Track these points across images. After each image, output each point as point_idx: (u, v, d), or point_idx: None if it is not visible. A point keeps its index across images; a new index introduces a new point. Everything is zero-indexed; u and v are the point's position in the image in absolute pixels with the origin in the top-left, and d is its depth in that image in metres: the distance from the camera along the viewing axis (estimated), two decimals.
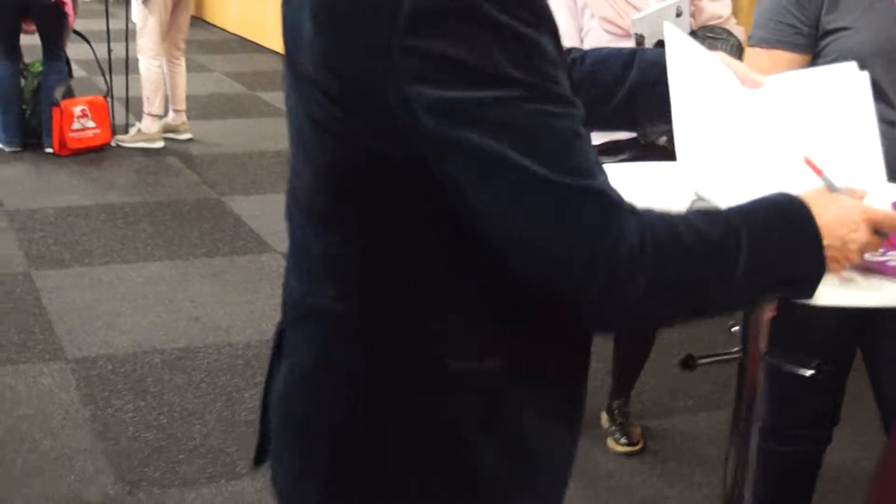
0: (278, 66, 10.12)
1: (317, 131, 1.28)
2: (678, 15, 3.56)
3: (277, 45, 10.35)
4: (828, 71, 1.82)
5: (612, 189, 1.19)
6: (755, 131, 1.73)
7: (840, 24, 2.45)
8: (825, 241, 1.31)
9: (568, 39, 3.61)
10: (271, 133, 8.09)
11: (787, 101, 1.77)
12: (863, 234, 1.38)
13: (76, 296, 4.96)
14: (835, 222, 1.33)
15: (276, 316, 1.51)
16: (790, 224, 1.30)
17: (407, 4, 1.14)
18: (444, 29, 1.14)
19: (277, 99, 9.06)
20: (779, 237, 1.28)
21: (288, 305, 1.45)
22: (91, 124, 7.27)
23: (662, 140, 3.56)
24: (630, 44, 3.59)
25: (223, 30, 12.88)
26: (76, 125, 7.19)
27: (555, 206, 1.15)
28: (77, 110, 7.19)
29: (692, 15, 3.63)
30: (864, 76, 1.76)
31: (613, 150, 3.59)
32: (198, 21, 13.41)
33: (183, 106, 7.78)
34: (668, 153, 3.48)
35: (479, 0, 1.14)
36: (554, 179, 1.15)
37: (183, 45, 7.74)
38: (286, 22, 1.33)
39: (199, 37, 12.14)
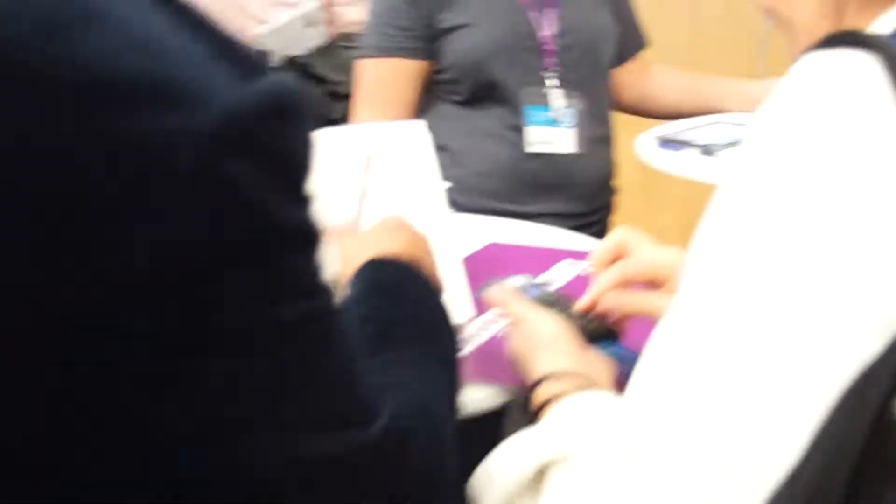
0: None
1: None
2: (309, 25, 3.10)
3: None
4: (389, 127, 1.53)
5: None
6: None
7: (457, 21, 2.17)
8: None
9: None
10: None
11: (338, 154, 1.37)
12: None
13: None
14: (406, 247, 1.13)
15: None
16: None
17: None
18: None
19: None
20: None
21: None
22: None
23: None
24: None
25: None
26: None
27: None
28: None
29: (327, 23, 3.17)
30: (427, 134, 1.49)
31: None
32: None
33: None
34: None
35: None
36: None
37: None
38: None
39: None
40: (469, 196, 2.17)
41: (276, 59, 3.07)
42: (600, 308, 1.15)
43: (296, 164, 0.70)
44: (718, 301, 0.74)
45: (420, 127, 1.44)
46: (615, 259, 1.17)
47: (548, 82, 2.18)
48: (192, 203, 0.65)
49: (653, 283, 1.15)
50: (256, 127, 0.67)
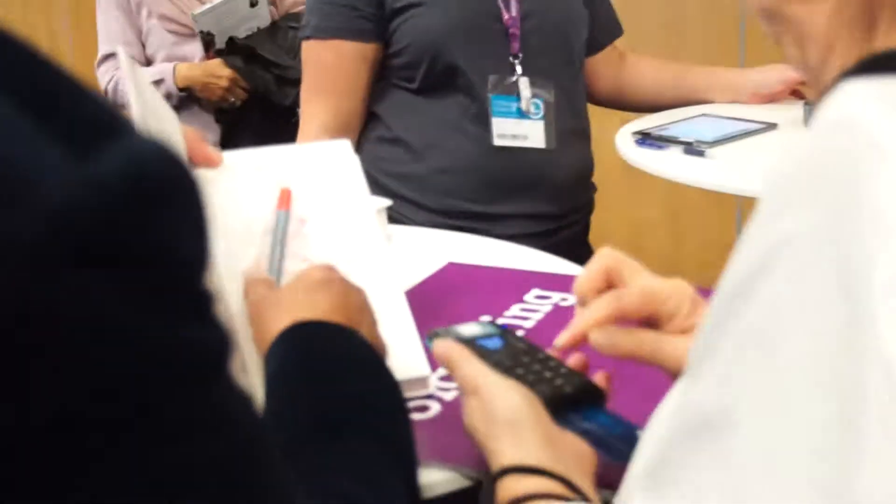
0: None
1: None
2: (253, 5, 2.86)
3: None
4: (308, 150, 1.22)
5: None
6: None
7: (409, 0, 1.92)
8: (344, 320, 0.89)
9: (125, 45, 2.88)
10: None
11: (247, 187, 1.12)
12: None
13: None
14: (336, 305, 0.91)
15: None
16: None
17: None
18: None
19: None
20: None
21: None
22: None
23: None
24: (197, 45, 2.87)
25: None
26: None
27: None
28: None
29: (273, 3, 2.93)
30: (353, 154, 1.20)
31: None
32: None
33: None
34: None
35: None
36: None
37: None
38: None
39: None
40: (431, 195, 1.95)
41: (219, 41, 2.84)
42: (592, 343, 0.90)
43: (175, 263, 0.47)
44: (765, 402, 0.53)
45: (344, 147, 1.18)
46: (601, 290, 0.92)
47: (517, 69, 1.95)
48: (13, 347, 0.43)
49: (649, 321, 0.91)
50: (103, 224, 0.44)
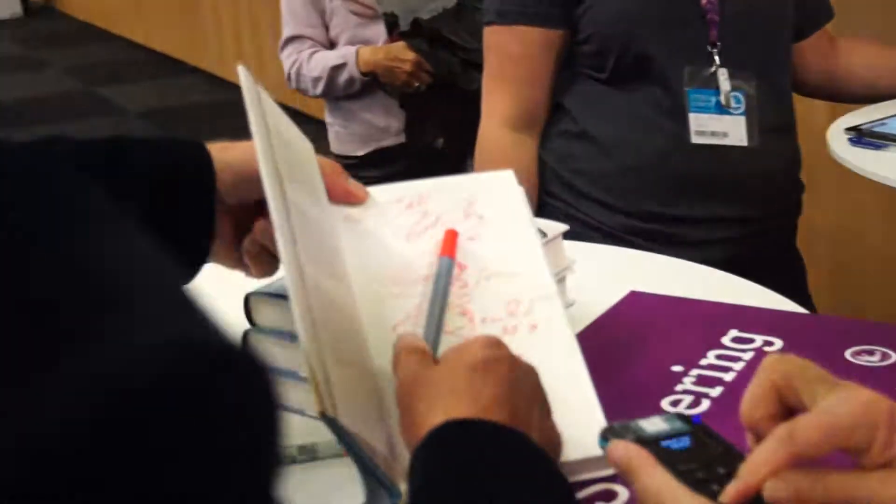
0: (121, 53, 9.24)
1: None
2: None
3: (126, 29, 9.53)
4: (470, 182, 1.08)
5: None
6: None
7: None
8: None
9: (309, 28, 2.82)
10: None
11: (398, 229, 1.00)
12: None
13: None
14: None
15: None
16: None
17: None
18: None
19: (118, 94, 8.18)
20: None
21: None
22: None
23: (440, 143, 2.81)
24: (380, 27, 2.78)
25: (75, 19, 11.90)
26: None
27: None
28: None
29: None
30: (518, 186, 1.05)
31: (380, 161, 2.82)
32: (47, 11, 12.44)
33: None
34: (447, 159, 2.75)
35: None
36: None
37: None
38: None
39: (47, 28, 11.17)
40: (619, 196, 1.82)
41: (403, 23, 2.75)
42: (769, 499, 0.73)
43: None
44: None
45: (508, 178, 1.03)
46: (774, 413, 0.74)
47: (715, 60, 1.79)
48: None
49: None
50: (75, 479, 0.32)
